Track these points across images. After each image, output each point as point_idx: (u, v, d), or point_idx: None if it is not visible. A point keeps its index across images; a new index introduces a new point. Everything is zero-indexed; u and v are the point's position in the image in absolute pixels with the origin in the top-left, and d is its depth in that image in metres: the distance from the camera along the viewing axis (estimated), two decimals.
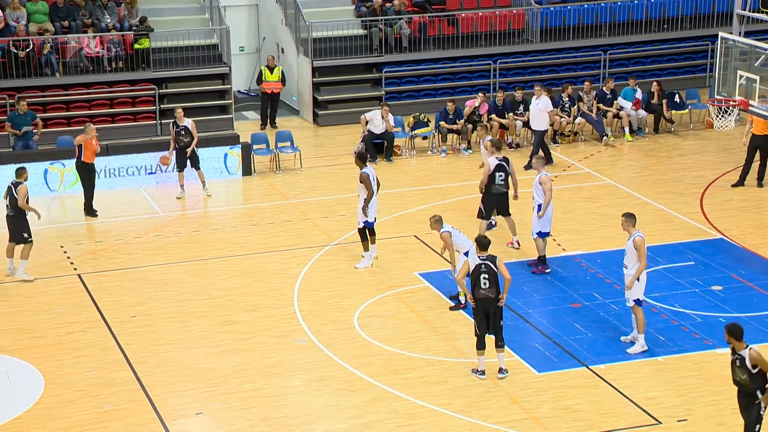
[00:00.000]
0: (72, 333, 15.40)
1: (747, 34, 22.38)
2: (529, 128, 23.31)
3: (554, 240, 18.55)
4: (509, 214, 18.09)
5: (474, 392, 13.76)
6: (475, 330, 14.10)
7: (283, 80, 25.05)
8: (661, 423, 13.09)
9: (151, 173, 21.46)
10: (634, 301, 14.59)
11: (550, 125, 23.73)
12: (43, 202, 19.83)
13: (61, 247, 18.44)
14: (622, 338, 14.91)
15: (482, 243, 14.14)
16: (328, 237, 18.72)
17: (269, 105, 25.09)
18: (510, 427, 12.99)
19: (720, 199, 20.64)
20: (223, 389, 13.84)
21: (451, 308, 15.98)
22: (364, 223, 17.26)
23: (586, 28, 27.05)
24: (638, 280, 14.49)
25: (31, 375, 14.25)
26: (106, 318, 15.83)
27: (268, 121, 25.12)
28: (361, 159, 17.49)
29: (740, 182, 20.97)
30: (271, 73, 24.90)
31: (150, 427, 13.05)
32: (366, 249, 17.41)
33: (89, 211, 19.69)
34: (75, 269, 17.53)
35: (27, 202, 16.90)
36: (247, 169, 21.95)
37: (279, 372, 14.29)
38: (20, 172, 17.19)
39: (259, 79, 25.04)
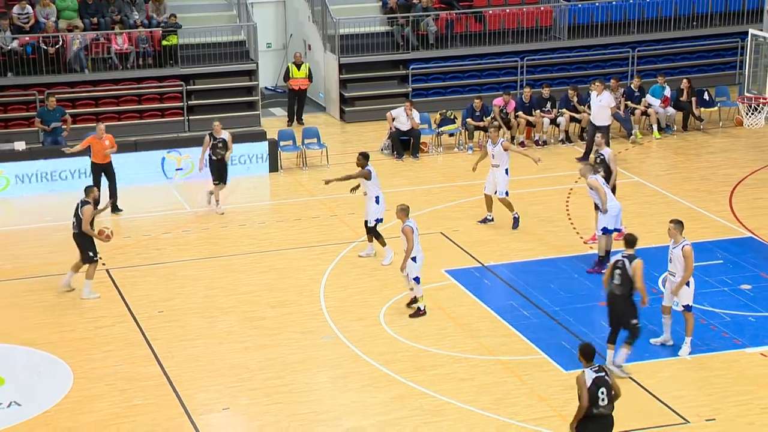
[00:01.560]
0: (100, 328, 15.50)
1: None
2: (557, 126, 23.24)
3: (581, 237, 18.49)
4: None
5: (501, 389, 13.73)
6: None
7: (309, 77, 25.09)
8: (689, 422, 13.01)
9: (179, 169, 21.55)
10: (684, 306, 14.40)
11: (578, 122, 23.68)
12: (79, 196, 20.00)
13: None
14: (652, 341, 14.80)
15: (628, 240, 14.08)
16: (354, 233, 18.73)
17: (296, 102, 25.13)
18: (537, 424, 12.95)
19: (749, 197, 20.48)
20: (249, 385, 13.89)
21: (411, 316, 15.62)
22: (375, 221, 17.36)
23: (614, 25, 26.91)
24: (687, 285, 14.31)
25: (60, 369, 14.36)
26: (134, 313, 15.92)
27: (295, 117, 25.16)
28: (364, 158, 17.51)
29: None
30: (298, 70, 24.94)
31: (177, 421, 13.11)
32: (383, 245, 17.43)
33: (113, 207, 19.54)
34: (103, 264, 17.62)
35: (91, 224, 16.07)
36: (273, 166, 22.00)
37: (305, 368, 14.33)
38: (88, 191, 16.35)
39: (286, 76, 25.09)
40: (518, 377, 14.04)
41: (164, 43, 24.40)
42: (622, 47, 26.81)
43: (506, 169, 18.57)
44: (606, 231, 17.07)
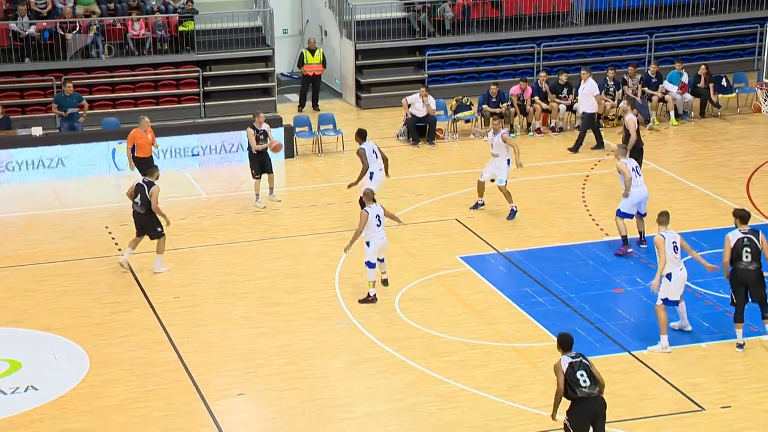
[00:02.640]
0: (116, 313, 15.58)
1: None
2: (573, 113, 23.18)
3: (597, 224, 18.45)
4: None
5: (515, 376, 13.74)
6: (732, 299, 14.21)
7: (324, 62, 25.06)
8: (704, 409, 12.99)
9: (195, 155, 21.59)
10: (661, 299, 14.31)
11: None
12: (96, 182, 20.14)
13: (106, 227, 18.63)
14: (672, 324, 14.75)
15: (742, 216, 14.16)
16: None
17: (311, 87, 25.12)
18: (551, 411, 12.92)
19: (767, 184, 20.37)
20: (264, 370, 13.94)
21: (360, 301, 15.65)
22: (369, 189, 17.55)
23: (632, 10, 26.77)
24: (668, 279, 14.07)
25: (76, 354, 14.45)
26: (149, 298, 15.98)
27: (311, 103, 25.15)
28: (360, 136, 18.11)
29: None
30: (312, 56, 24.92)
31: (193, 407, 13.18)
32: None
33: None
34: (119, 250, 17.71)
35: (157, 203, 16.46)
36: (289, 152, 22.01)
37: (320, 354, 14.36)
38: (152, 171, 16.71)
39: (301, 62, 25.07)
40: (532, 364, 14.03)
41: (181, 28, 24.42)
42: (640, 33, 26.67)
43: (507, 160, 18.49)
44: (620, 214, 17.07)
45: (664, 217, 14.36)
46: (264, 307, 15.71)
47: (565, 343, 11.51)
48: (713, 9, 27.22)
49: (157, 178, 16.69)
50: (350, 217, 18.93)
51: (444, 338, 14.71)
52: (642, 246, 17.37)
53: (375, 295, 15.65)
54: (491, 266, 16.89)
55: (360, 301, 15.64)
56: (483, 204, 19.02)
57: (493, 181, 18.66)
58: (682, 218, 18.27)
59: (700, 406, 13.05)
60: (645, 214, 17.26)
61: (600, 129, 23.08)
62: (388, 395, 13.38)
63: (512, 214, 18.62)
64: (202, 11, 24.78)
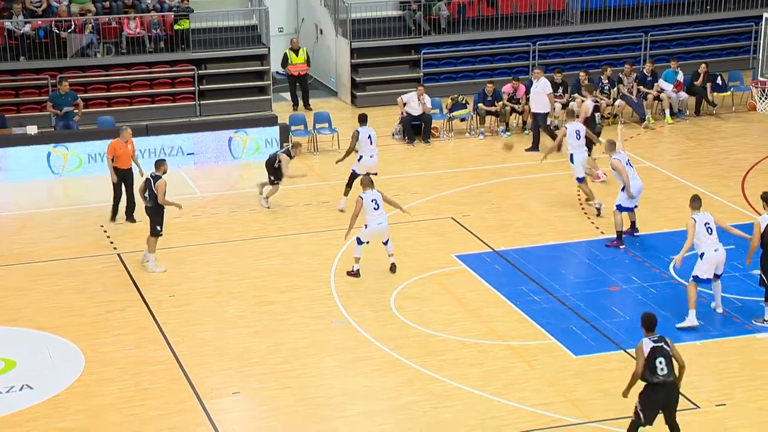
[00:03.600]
0: (111, 312, 15.56)
1: None
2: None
3: (593, 223, 18.46)
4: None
5: (510, 375, 13.74)
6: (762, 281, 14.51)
7: (308, 61, 25.00)
8: (699, 407, 13.00)
9: (190, 154, 21.57)
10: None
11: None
12: (91, 180, 20.11)
13: (101, 226, 18.61)
14: (712, 304, 15.16)
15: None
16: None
17: (298, 87, 25.08)
18: (546, 409, 12.96)
19: (762, 182, 20.35)
20: (259, 369, 13.93)
21: (348, 273, 16.44)
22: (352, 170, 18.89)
23: (627, 9, 26.79)
24: (700, 258, 14.62)
25: (71, 353, 14.43)
26: (144, 297, 15.97)
27: (302, 103, 25.11)
28: (360, 119, 19.39)
29: None
30: (297, 56, 24.88)
31: (188, 405, 13.17)
32: (345, 194, 18.89)
33: (113, 216, 18.77)
34: (115, 248, 17.70)
35: (165, 196, 16.56)
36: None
37: (315, 353, 14.36)
38: (159, 164, 16.71)
39: (285, 62, 25.02)
40: (527, 362, 14.04)
41: (176, 27, 24.40)
42: (635, 32, 26.68)
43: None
44: (620, 208, 17.13)
45: (696, 202, 14.81)
46: (258, 305, 15.70)
47: (648, 324, 11.62)
48: (708, 7, 27.24)
49: (164, 172, 16.68)
50: (345, 215, 18.91)
51: (439, 337, 14.71)
52: (636, 235, 17.46)
53: (358, 270, 16.32)
54: (487, 265, 16.89)
55: (347, 273, 16.37)
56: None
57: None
58: (676, 216, 18.30)
59: (694, 404, 13.05)
60: (637, 206, 17.49)
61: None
62: (383, 394, 13.37)
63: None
64: (198, 10, 24.75)
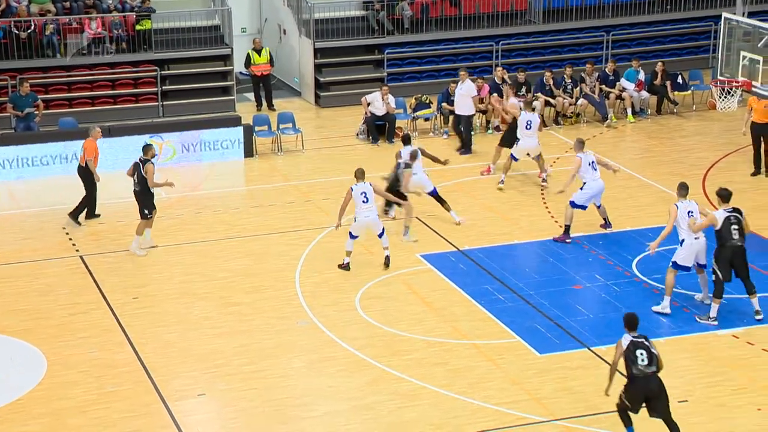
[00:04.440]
0: (74, 314, 15.46)
1: (750, 15, 22.38)
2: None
3: (556, 221, 18.57)
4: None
5: (475, 374, 13.80)
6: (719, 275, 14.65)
7: (271, 61, 24.95)
8: None
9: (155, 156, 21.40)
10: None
11: (553, 107, 23.75)
12: (53, 182, 19.96)
13: (63, 228, 18.47)
14: (696, 296, 15.36)
15: (725, 195, 14.70)
16: (329, 218, 18.72)
17: (261, 87, 25.02)
18: (511, 408, 13.03)
19: (722, 180, 20.56)
20: (225, 370, 13.90)
21: (339, 266, 16.67)
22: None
23: (589, 8, 26.97)
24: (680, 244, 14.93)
25: (33, 356, 14.31)
26: (108, 299, 15.87)
27: (265, 103, 25.06)
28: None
29: (757, 171, 20.75)
30: (259, 56, 24.81)
31: (152, 408, 13.11)
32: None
33: (90, 215, 18.77)
34: (77, 251, 17.57)
35: (154, 179, 17.10)
36: (249, 151, 21.95)
37: (280, 353, 14.35)
38: (147, 149, 17.21)
39: (247, 63, 24.95)
40: (492, 361, 14.11)
41: (138, 27, 24.25)
42: (597, 31, 26.87)
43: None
44: (573, 204, 17.40)
45: (683, 190, 15.22)
46: (224, 306, 15.66)
47: (630, 323, 11.97)
48: (669, 7, 27.49)
49: (152, 156, 17.21)
50: (310, 215, 18.94)
51: (404, 336, 14.75)
52: (608, 230, 17.79)
53: (348, 263, 16.57)
54: (451, 264, 16.96)
55: (339, 266, 16.61)
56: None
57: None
58: (638, 215, 18.49)
59: None
60: (600, 206, 17.80)
61: (559, 126, 23.25)
62: (348, 394, 13.39)
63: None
64: (160, 10, 24.62)
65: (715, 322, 14.85)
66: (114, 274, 16.69)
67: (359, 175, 16.57)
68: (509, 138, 20.20)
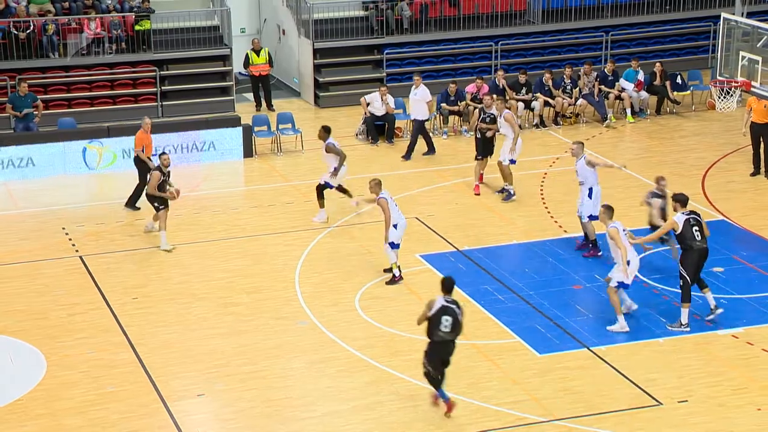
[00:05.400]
0: (74, 315, 15.44)
1: (749, 15, 22.38)
2: (531, 110, 23.31)
3: (556, 222, 18.57)
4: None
5: (474, 373, 13.79)
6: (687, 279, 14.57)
7: (270, 61, 24.94)
8: (661, 404, 13.13)
9: (153, 155, 21.39)
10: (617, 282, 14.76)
11: (552, 107, 23.75)
12: (52, 183, 19.96)
13: (63, 228, 18.45)
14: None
15: (682, 200, 14.73)
16: (329, 219, 18.72)
17: (260, 88, 25.01)
18: (511, 408, 13.03)
19: (721, 180, 20.63)
20: (224, 371, 13.88)
21: (387, 283, 16.15)
22: (324, 182, 18.30)
23: (589, 9, 26.97)
24: (627, 264, 14.62)
25: (33, 356, 14.29)
26: (107, 300, 15.86)
27: (264, 104, 25.04)
28: (326, 131, 18.55)
29: (756, 171, 20.74)
30: (258, 56, 24.80)
31: (152, 408, 13.09)
32: (321, 207, 18.37)
33: (131, 204, 19.11)
34: (77, 251, 17.56)
35: (159, 189, 17.23)
36: (248, 151, 21.93)
37: (280, 354, 14.33)
38: (159, 157, 17.55)
39: (246, 63, 24.93)
40: (492, 361, 14.10)
41: (137, 28, 24.24)
42: (596, 31, 26.87)
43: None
44: (591, 217, 17.01)
45: (610, 211, 14.93)
46: (223, 307, 15.64)
47: (445, 286, 12.56)
48: (668, 7, 27.50)
49: (166, 165, 17.38)
50: (309, 216, 18.91)
51: (404, 336, 14.73)
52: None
53: (400, 274, 16.10)
54: (451, 264, 16.94)
55: (387, 283, 16.08)
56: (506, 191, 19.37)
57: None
58: (638, 215, 18.44)
59: (657, 401, 13.18)
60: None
61: (558, 126, 23.25)
62: (349, 394, 13.38)
63: (508, 195, 19.21)
64: (159, 10, 24.60)
65: (688, 329, 14.71)
66: (113, 275, 16.67)
67: (380, 184, 16.11)
68: (485, 148, 19.54)
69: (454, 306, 12.42)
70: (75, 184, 20.37)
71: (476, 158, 19.70)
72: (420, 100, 21.90)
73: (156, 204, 17.49)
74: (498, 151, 19.52)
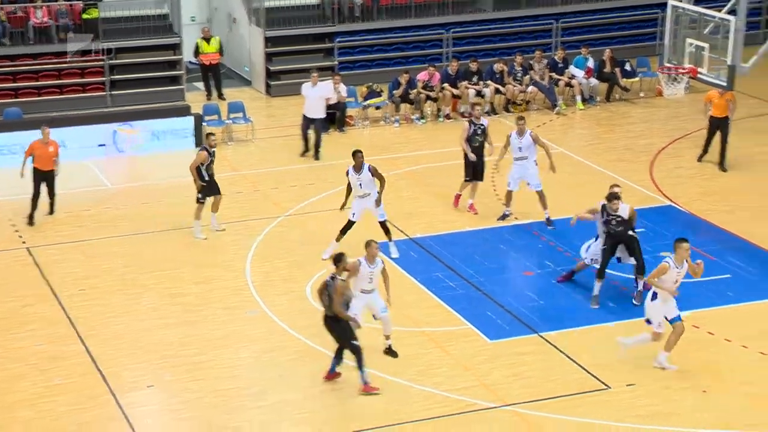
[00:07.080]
0: (22, 307, 15.26)
1: (696, 2, 22.50)
2: (482, 98, 23.37)
3: (505, 206, 18.62)
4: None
5: (424, 360, 13.83)
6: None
7: (221, 50, 24.74)
8: (610, 387, 13.26)
9: (101, 145, 21.21)
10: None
11: (503, 94, 23.83)
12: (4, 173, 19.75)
13: (9, 220, 18.21)
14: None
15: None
16: (279, 208, 18.66)
17: (211, 77, 24.80)
18: (461, 394, 13.08)
19: (669, 166, 20.84)
20: (173, 361, 13.80)
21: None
22: (382, 220, 16.88)
23: None
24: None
25: None
26: (55, 291, 15.69)
27: (215, 93, 24.85)
28: (361, 153, 17.28)
29: (703, 154, 20.77)
30: (208, 44, 24.59)
31: (101, 399, 12.99)
32: (338, 240, 16.66)
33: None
34: (24, 243, 17.34)
35: (198, 169, 17.26)
36: (198, 141, 21.75)
37: (229, 343, 14.27)
38: (207, 135, 17.91)
39: (196, 52, 24.73)
40: (442, 348, 14.14)
41: (85, 16, 23.94)
42: (546, 19, 26.98)
43: (535, 161, 17.68)
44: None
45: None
46: (171, 297, 15.55)
47: (334, 260, 13.07)
48: None
49: (209, 145, 17.42)
50: (258, 205, 18.83)
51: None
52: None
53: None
54: (402, 252, 16.96)
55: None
56: (511, 214, 18.09)
57: (529, 184, 17.85)
58: (587, 202, 18.53)
59: (605, 385, 13.31)
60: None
61: (509, 113, 23.32)
62: (299, 383, 13.36)
63: (548, 221, 17.86)
64: None
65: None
66: (60, 266, 16.50)
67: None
68: (475, 170, 18.25)
69: (330, 282, 12.89)
70: (21, 175, 20.06)
71: (465, 180, 18.27)
72: (320, 98, 21.28)
73: (199, 196, 17.29)
74: (513, 175, 18.01)
